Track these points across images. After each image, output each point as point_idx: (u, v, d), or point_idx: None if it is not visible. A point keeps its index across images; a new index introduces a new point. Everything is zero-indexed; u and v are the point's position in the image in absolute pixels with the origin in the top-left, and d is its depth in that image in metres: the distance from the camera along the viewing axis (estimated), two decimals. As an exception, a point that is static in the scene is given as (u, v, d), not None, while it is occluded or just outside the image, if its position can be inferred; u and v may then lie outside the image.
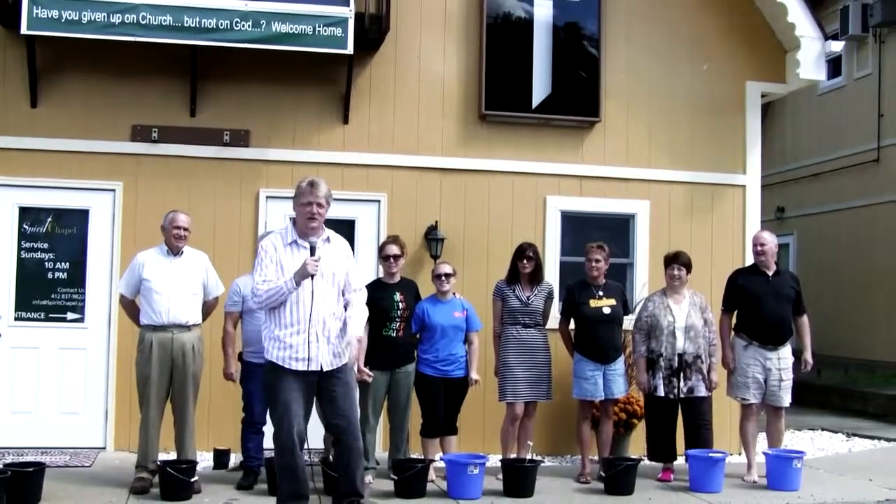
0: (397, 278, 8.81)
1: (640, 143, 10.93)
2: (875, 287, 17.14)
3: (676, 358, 8.95)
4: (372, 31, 10.01)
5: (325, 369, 6.77)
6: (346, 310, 6.96)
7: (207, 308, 8.42)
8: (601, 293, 9.08)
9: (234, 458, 9.02)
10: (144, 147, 9.89)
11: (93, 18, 9.11)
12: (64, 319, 9.82)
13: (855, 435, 12.17)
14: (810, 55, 10.89)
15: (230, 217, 9.97)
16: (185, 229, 8.17)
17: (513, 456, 8.85)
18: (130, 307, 8.26)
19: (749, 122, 11.19)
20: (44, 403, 9.69)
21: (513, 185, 10.60)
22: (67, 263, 9.86)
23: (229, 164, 10.04)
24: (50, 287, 9.82)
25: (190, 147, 9.95)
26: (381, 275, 9.02)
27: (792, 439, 11.42)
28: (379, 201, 10.30)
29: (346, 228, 10.19)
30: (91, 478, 8.47)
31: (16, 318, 9.72)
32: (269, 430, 8.31)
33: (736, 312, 9.28)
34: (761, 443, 9.51)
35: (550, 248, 10.60)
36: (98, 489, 8.01)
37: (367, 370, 8.30)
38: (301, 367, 6.72)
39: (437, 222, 10.27)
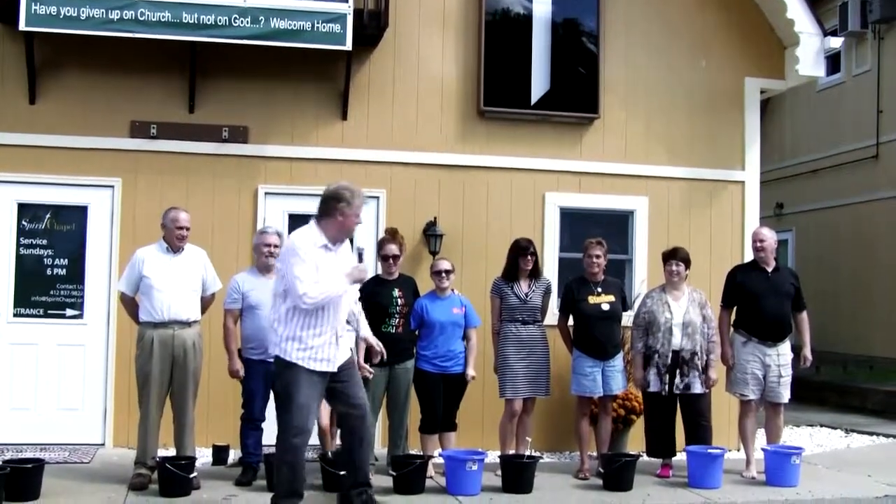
0: (396, 275, 8.82)
1: (639, 139, 10.92)
2: (874, 283, 17.15)
3: (671, 354, 8.94)
4: (370, 27, 9.99)
5: (337, 368, 6.87)
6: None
7: (204, 304, 8.41)
8: (600, 290, 9.08)
9: (233, 455, 9.02)
10: (143, 143, 9.88)
11: (91, 15, 9.10)
12: (63, 316, 9.82)
13: (853, 431, 12.18)
14: (809, 51, 10.88)
15: (229, 213, 9.97)
16: (187, 228, 8.18)
17: (511, 452, 8.85)
18: (130, 305, 8.25)
19: (748, 118, 11.19)
20: (42, 400, 9.68)
21: (511, 181, 10.60)
22: (66, 260, 9.85)
23: (228, 161, 10.04)
24: (49, 283, 9.81)
25: (188, 143, 9.95)
26: (379, 271, 9.02)
27: (791, 435, 11.42)
28: (378, 197, 10.29)
29: (344, 225, 10.23)
30: (90, 474, 8.47)
31: (14, 315, 9.72)
32: (267, 426, 8.38)
33: (735, 309, 9.29)
34: (760, 439, 9.52)
35: (549, 245, 10.60)
36: (97, 485, 8.01)
37: (367, 367, 8.32)
38: (321, 367, 6.79)
39: (435, 218, 10.27)
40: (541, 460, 8.73)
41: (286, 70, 10.06)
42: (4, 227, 9.72)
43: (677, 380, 8.94)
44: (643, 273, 10.73)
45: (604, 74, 10.79)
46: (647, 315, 9.06)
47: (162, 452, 8.26)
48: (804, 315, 9.38)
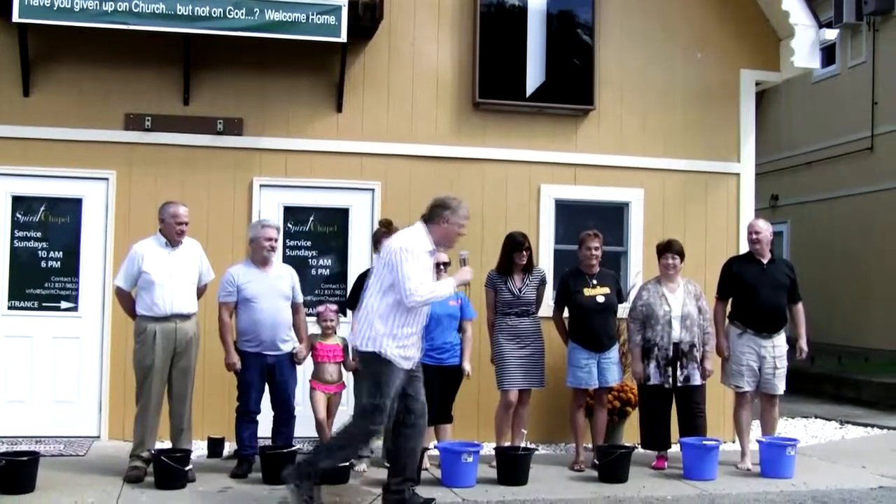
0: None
1: (634, 131, 10.92)
2: (869, 275, 17.18)
3: (672, 347, 8.95)
4: (365, 19, 9.96)
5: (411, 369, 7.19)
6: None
7: (198, 294, 8.42)
8: (595, 281, 9.09)
9: (228, 447, 9.01)
10: (138, 136, 9.86)
11: (85, 6, 9.06)
12: (57, 308, 9.80)
13: (848, 422, 12.20)
14: (804, 43, 10.87)
15: (224, 205, 9.95)
16: (187, 223, 8.18)
17: (507, 444, 8.86)
18: (128, 300, 8.23)
19: (743, 110, 11.18)
20: (38, 392, 9.67)
21: (507, 173, 10.59)
22: (61, 252, 9.83)
23: (223, 153, 10.02)
24: (43, 276, 9.79)
25: (183, 136, 9.92)
26: (374, 263, 9.00)
27: (786, 427, 11.44)
28: (373, 190, 10.28)
29: (340, 217, 10.27)
30: (85, 467, 8.47)
31: (9, 308, 9.70)
32: (262, 418, 8.39)
33: (730, 300, 9.30)
34: (755, 430, 9.53)
35: (544, 237, 10.59)
36: (92, 478, 8.00)
37: (353, 363, 8.42)
38: (406, 365, 7.07)
39: (431, 211, 10.25)
40: (536, 452, 8.73)
41: (281, 62, 10.04)
42: (-1, 219, 9.72)
43: (676, 373, 8.95)
44: (638, 265, 10.73)
45: (599, 66, 10.78)
46: (645, 308, 9.06)
47: (157, 445, 8.25)
48: (800, 307, 9.40)
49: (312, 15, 9.45)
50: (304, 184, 10.15)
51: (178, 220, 8.12)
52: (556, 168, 10.71)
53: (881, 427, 11.85)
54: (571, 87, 10.71)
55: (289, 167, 10.15)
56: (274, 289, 8.38)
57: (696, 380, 8.99)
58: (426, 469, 8.41)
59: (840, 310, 17.45)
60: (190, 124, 9.93)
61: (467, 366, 8.78)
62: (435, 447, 8.62)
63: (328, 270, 10.28)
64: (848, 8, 17.73)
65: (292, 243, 10.14)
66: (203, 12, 9.27)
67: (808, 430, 11.62)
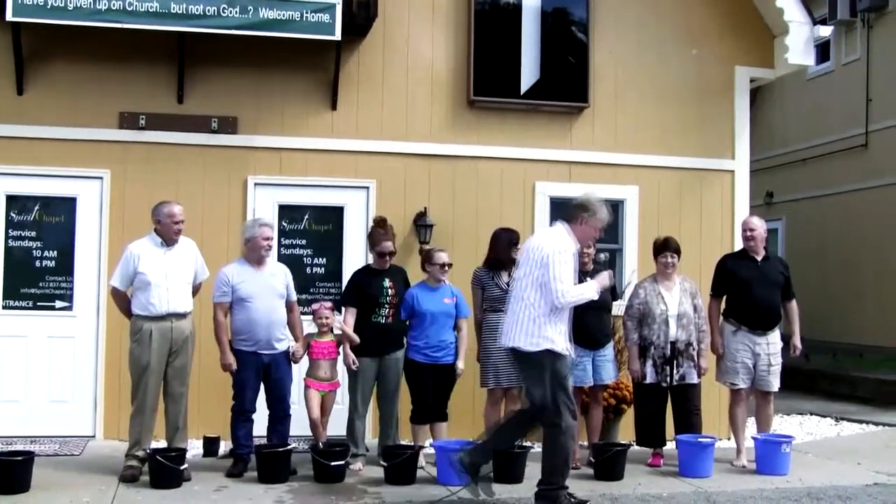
0: (387, 265, 8.81)
1: (629, 128, 10.92)
2: (863, 272, 17.20)
3: (669, 346, 8.96)
4: (360, 16, 9.96)
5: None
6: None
7: (194, 292, 8.41)
8: (589, 280, 9.07)
9: (224, 446, 9.01)
10: (132, 134, 9.85)
11: (79, 5, 9.04)
12: (52, 308, 9.78)
13: (843, 419, 12.21)
14: (799, 40, 10.88)
15: (218, 204, 9.94)
16: (183, 221, 8.17)
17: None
18: (123, 300, 8.22)
19: (738, 107, 11.19)
20: (32, 392, 9.65)
21: (501, 171, 10.59)
22: (55, 251, 9.81)
23: (217, 151, 10.01)
24: (38, 275, 9.77)
25: (177, 134, 9.91)
26: (370, 262, 9.01)
27: (781, 424, 11.45)
28: (368, 188, 10.28)
29: (335, 215, 10.26)
30: (81, 466, 8.46)
31: (4, 307, 9.68)
32: (258, 417, 8.37)
33: (725, 298, 9.30)
34: (750, 428, 9.54)
35: (539, 234, 10.59)
36: (88, 477, 8.00)
37: (352, 356, 8.41)
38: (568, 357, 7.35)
39: (425, 209, 10.25)
40: (532, 450, 8.73)
41: (275, 60, 10.03)
42: (-7, 218, 9.70)
43: (673, 371, 8.95)
44: (633, 263, 10.74)
45: (594, 64, 10.78)
46: (642, 307, 9.06)
47: (153, 444, 8.24)
48: (794, 304, 9.41)
49: (307, 13, 9.44)
50: (298, 182, 10.14)
51: (174, 220, 8.12)
52: (550, 165, 10.71)
53: (876, 423, 11.86)
54: (566, 84, 10.71)
55: (283, 165, 10.14)
56: (269, 287, 8.36)
57: (693, 378, 9.00)
58: (422, 467, 8.41)
59: (835, 306, 17.46)
60: (184, 123, 9.92)
61: (461, 364, 8.77)
62: (431, 445, 8.62)
63: (323, 269, 10.27)
64: (842, 5, 17.74)
65: (287, 242, 10.14)
66: (197, 10, 9.25)
67: (803, 427, 11.63)
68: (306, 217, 10.26)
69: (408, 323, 8.79)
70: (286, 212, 10.17)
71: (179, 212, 8.15)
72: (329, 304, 8.84)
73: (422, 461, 8.46)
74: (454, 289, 8.90)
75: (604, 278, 7.57)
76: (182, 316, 8.13)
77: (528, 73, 10.61)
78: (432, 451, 8.47)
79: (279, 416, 8.44)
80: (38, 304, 9.77)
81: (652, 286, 9.13)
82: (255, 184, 10.07)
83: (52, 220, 9.86)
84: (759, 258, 9.21)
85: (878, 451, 10.07)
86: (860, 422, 12.01)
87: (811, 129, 18.77)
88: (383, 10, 10.16)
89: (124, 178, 9.80)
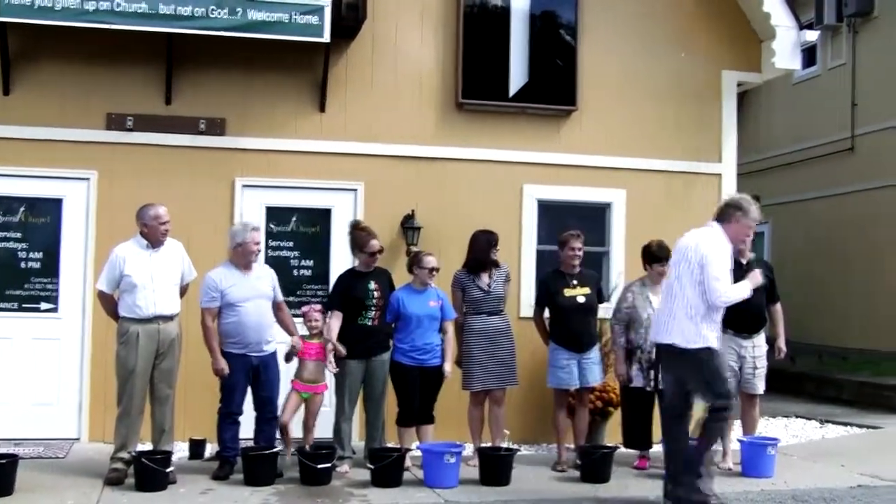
0: (372, 267, 8.81)
1: (617, 131, 10.94)
2: (849, 275, 17.26)
3: (655, 350, 8.95)
4: (349, 19, 9.95)
5: None
6: None
7: (181, 293, 8.39)
8: (575, 282, 9.10)
9: (210, 449, 8.98)
10: (119, 135, 9.82)
11: (66, 5, 9.00)
12: (37, 309, 9.74)
13: (828, 422, 12.25)
14: (785, 44, 10.93)
15: (206, 206, 9.91)
16: (169, 221, 8.15)
17: (483, 444, 8.87)
18: (110, 302, 8.20)
19: (725, 110, 11.23)
20: (17, 394, 9.59)
21: (490, 173, 10.59)
22: (41, 253, 9.77)
23: (205, 153, 9.98)
24: (23, 277, 9.73)
25: (165, 135, 9.89)
26: (355, 264, 8.99)
27: (766, 426, 11.47)
28: (356, 190, 10.27)
29: (322, 217, 10.26)
30: (65, 469, 8.43)
31: (-11, 309, 9.66)
32: (244, 420, 8.35)
33: (711, 301, 9.31)
34: (736, 430, 9.56)
35: (527, 237, 10.62)
36: (72, 480, 7.97)
37: (333, 363, 8.46)
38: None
39: (413, 211, 10.25)
40: (518, 453, 8.75)
41: (263, 62, 10.02)
42: (-22, 220, 9.65)
43: (659, 375, 8.95)
44: (620, 265, 10.75)
45: (582, 67, 10.80)
46: (630, 310, 9.06)
47: (138, 447, 8.21)
48: (778, 307, 9.44)
49: (295, 15, 9.43)
50: (286, 184, 10.13)
51: (161, 221, 8.10)
52: (538, 168, 10.72)
53: (860, 426, 11.90)
54: (554, 87, 10.73)
55: (271, 167, 10.13)
56: (256, 290, 8.35)
57: (679, 382, 9.02)
58: (408, 469, 8.41)
59: (820, 309, 17.51)
60: (172, 124, 9.90)
61: (448, 367, 8.78)
62: (417, 448, 8.62)
63: (310, 271, 10.26)
64: (828, 10, 17.80)
65: (275, 244, 10.12)
66: (185, 12, 9.23)
67: (788, 430, 11.67)
68: (294, 219, 10.24)
69: (393, 325, 8.79)
70: (273, 213, 10.16)
71: (165, 213, 8.13)
72: (318, 307, 8.85)
73: (408, 463, 8.46)
74: (440, 291, 8.90)
75: (756, 276, 7.59)
76: (169, 318, 8.11)
77: (517, 76, 10.63)
78: (419, 453, 8.47)
79: (267, 417, 8.43)
80: (24, 305, 9.72)
81: (640, 290, 9.14)
82: (243, 185, 10.05)
83: (38, 221, 9.81)
84: (744, 261, 9.22)
85: (862, 453, 10.10)
86: (845, 424, 12.05)
87: (798, 133, 18.83)
88: (372, 12, 10.15)
89: (111, 180, 9.77)
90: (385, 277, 8.93)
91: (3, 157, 9.60)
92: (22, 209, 9.77)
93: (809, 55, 17.75)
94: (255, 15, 9.37)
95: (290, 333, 8.65)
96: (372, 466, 8.10)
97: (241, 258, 8.36)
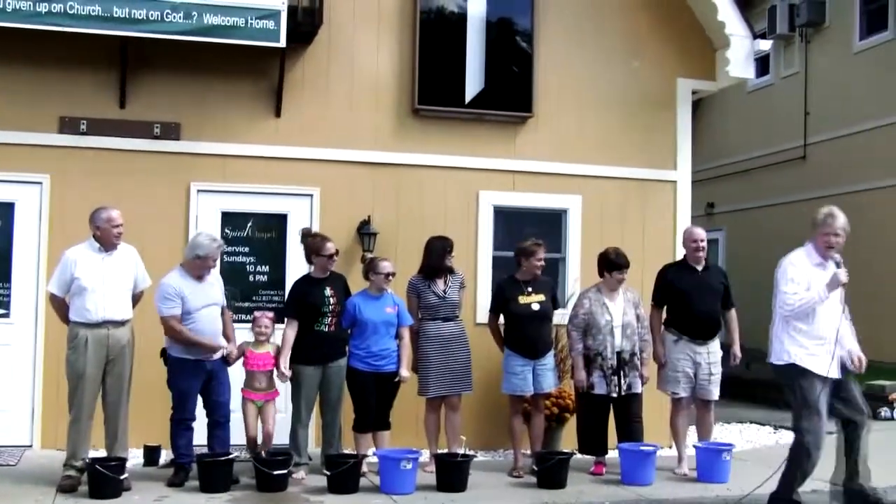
0: (327, 273, 8.77)
1: (573, 138, 10.98)
2: (801, 281, 17.40)
3: (615, 357, 9.01)
4: (305, 24, 9.93)
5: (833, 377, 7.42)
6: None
7: (134, 301, 8.29)
8: (530, 289, 9.12)
9: (165, 455, 8.90)
10: (73, 139, 9.71)
11: (18, 7, 8.89)
12: (-11, 315, 9.63)
13: (783, 427, 12.31)
14: (739, 53, 11.02)
15: (160, 211, 9.82)
16: (122, 224, 8.06)
17: (440, 451, 8.87)
18: (61, 307, 8.09)
19: (680, 118, 11.31)
20: (-32, 400, 9.47)
21: (446, 179, 10.60)
22: (-8, 257, 9.66)
23: (160, 157, 9.90)
24: (-26, 282, 9.61)
25: (119, 139, 9.79)
26: (310, 271, 8.93)
27: (721, 432, 11.54)
28: (311, 195, 10.23)
29: (277, 223, 10.20)
30: (17, 476, 8.32)
31: (-62, 314, 9.52)
32: (197, 426, 8.28)
33: (666, 307, 9.38)
34: (692, 436, 9.62)
35: (483, 243, 10.62)
36: (24, 488, 7.86)
37: (286, 371, 8.44)
38: (822, 372, 7.38)
39: (369, 217, 10.23)
40: (475, 459, 8.75)
41: (219, 66, 9.95)
42: (-72, 224, 9.51)
43: (620, 381, 9.00)
44: (576, 272, 10.79)
45: (538, 74, 10.84)
46: (587, 317, 9.09)
47: (92, 453, 8.12)
48: (733, 313, 9.53)
49: (251, 19, 9.37)
50: (241, 189, 10.07)
51: (113, 224, 8.01)
52: (494, 174, 10.74)
53: (814, 431, 12.00)
54: (510, 94, 10.75)
55: (227, 172, 10.07)
56: (210, 298, 8.30)
57: (638, 388, 9.08)
58: (364, 475, 8.38)
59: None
60: (126, 128, 9.81)
61: (405, 372, 8.77)
62: (373, 454, 8.60)
63: (266, 277, 10.21)
64: (781, 19, 18.03)
65: (230, 249, 10.01)
66: (140, 15, 9.15)
67: (743, 435, 11.76)
68: (249, 224, 10.19)
69: (349, 331, 8.77)
70: (229, 219, 10.09)
71: (118, 216, 8.04)
72: (270, 315, 8.79)
73: (365, 470, 8.43)
74: (396, 298, 8.89)
75: (840, 276, 7.46)
76: (120, 324, 8.01)
77: (473, 83, 10.64)
78: (375, 459, 8.44)
79: (220, 421, 8.36)
80: (-26, 310, 9.60)
81: (596, 296, 9.18)
82: (198, 190, 9.98)
83: (-11, 225, 9.69)
84: (699, 268, 9.31)
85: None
86: (798, 430, 12.14)
87: (751, 141, 19.03)
88: (328, 17, 10.12)
89: (64, 184, 9.66)
90: (340, 283, 8.89)
91: (-47, 160, 9.47)
92: (-28, 214, 9.64)
93: (763, 64, 17.95)
94: (211, 19, 9.30)
95: (227, 338, 8.54)
96: (328, 473, 8.06)
97: (196, 269, 8.26)
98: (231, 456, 8.14)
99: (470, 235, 10.42)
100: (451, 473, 8.27)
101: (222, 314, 8.50)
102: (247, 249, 10.16)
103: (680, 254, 10.01)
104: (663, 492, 8.40)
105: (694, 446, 9.13)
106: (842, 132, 16.73)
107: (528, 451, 9.29)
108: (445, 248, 9.12)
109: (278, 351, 8.61)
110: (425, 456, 8.93)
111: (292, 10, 9.67)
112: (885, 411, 12.73)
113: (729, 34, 10.96)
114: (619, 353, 9.01)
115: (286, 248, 10.16)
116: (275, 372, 8.61)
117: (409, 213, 10.43)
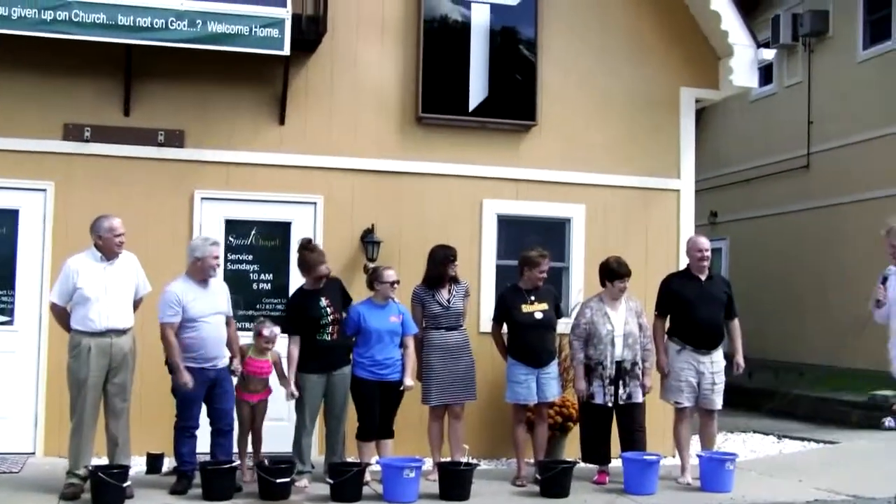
0: (320, 284, 8.71)
1: (576, 147, 10.99)
2: (804, 291, 17.40)
3: (615, 366, 9.00)
4: (309, 32, 9.95)
5: None
6: None
7: (134, 307, 8.28)
8: (533, 298, 9.12)
9: (168, 463, 8.90)
10: (77, 146, 9.73)
11: (24, 15, 8.92)
12: (-8, 322, 9.63)
13: (785, 437, 12.35)
14: (743, 62, 11.05)
15: (164, 218, 9.84)
16: (124, 234, 8.05)
17: (442, 459, 8.86)
18: (63, 315, 8.09)
19: (683, 127, 11.32)
20: (-29, 408, 9.47)
21: (449, 188, 10.60)
22: (-4, 265, 9.66)
23: (163, 165, 9.92)
24: (-23, 289, 9.62)
25: (123, 147, 9.81)
26: (304, 283, 8.85)
27: (724, 442, 11.55)
28: (315, 203, 10.24)
29: (281, 231, 10.21)
30: (20, 484, 8.31)
31: (-58, 321, 9.52)
32: (201, 433, 8.28)
33: (669, 317, 9.37)
34: (695, 445, 9.61)
35: (486, 252, 10.62)
36: (27, 495, 7.86)
37: (293, 388, 8.45)
38: None
39: (373, 225, 10.24)
40: (478, 467, 8.73)
41: (223, 74, 9.97)
42: (-68, 231, 9.51)
43: (620, 391, 9.00)
44: (580, 282, 10.79)
45: (541, 82, 10.85)
46: (588, 326, 9.08)
47: (94, 461, 8.12)
48: (736, 322, 9.51)
49: (255, 28, 9.40)
50: (245, 197, 10.08)
51: (115, 233, 8.00)
52: (498, 183, 10.74)
53: (817, 441, 12.01)
54: (514, 102, 10.76)
55: (231, 180, 10.08)
56: (215, 306, 8.29)
57: (639, 397, 9.07)
58: (367, 484, 8.37)
59: (777, 326, 17.64)
60: (130, 135, 9.83)
61: (409, 381, 8.76)
62: (377, 462, 8.59)
63: (269, 285, 10.21)
64: (784, 29, 18.00)
65: (234, 257, 10.05)
66: (145, 23, 9.18)
67: (746, 445, 11.75)
68: (253, 232, 10.19)
69: (353, 339, 8.76)
70: (233, 227, 10.10)
71: (119, 225, 8.04)
72: (278, 330, 8.75)
73: (368, 478, 8.42)
74: (401, 306, 8.88)
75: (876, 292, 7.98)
76: (122, 332, 8.01)
77: (477, 91, 10.65)
78: (378, 468, 8.43)
79: (224, 430, 8.35)
80: (-22, 318, 9.60)
81: (598, 305, 9.18)
82: (202, 198, 9.99)
83: (-7, 232, 9.70)
84: (702, 277, 9.30)
85: (818, 467, 10.17)
86: (801, 439, 12.16)
87: (754, 150, 19.01)
88: (332, 26, 10.15)
89: (68, 191, 9.67)
90: (335, 288, 8.80)
91: (-43, 167, 9.49)
92: (-24, 220, 9.64)
93: (766, 73, 17.95)
94: (215, 27, 9.33)
95: (233, 354, 8.52)
96: (331, 481, 8.05)
97: (199, 273, 8.28)
98: (234, 463, 8.14)
99: (473, 244, 10.43)
100: (454, 482, 8.25)
101: (228, 325, 8.49)
102: (250, 257, 10.17)
103: (683, 263, 10.01)
104: (666, 501, 8.40)
105: (697, 456, 9.11)
106: (845, 141, 16.69)
107: (532, 460, 9.27)
108: (448, 256, 9.12)
109: (278, 358, 8.61)
110: (428, 464, 8.92)
111: (296, 19, 9.69)
112: (889, 421, 12.69)
113: (732, 43, 10.97)
114: (619, 363, 9.00)
115: (290, 256, 10.12)
116: (271, 378, 8.62)
117: (413, 222, 10.44)
